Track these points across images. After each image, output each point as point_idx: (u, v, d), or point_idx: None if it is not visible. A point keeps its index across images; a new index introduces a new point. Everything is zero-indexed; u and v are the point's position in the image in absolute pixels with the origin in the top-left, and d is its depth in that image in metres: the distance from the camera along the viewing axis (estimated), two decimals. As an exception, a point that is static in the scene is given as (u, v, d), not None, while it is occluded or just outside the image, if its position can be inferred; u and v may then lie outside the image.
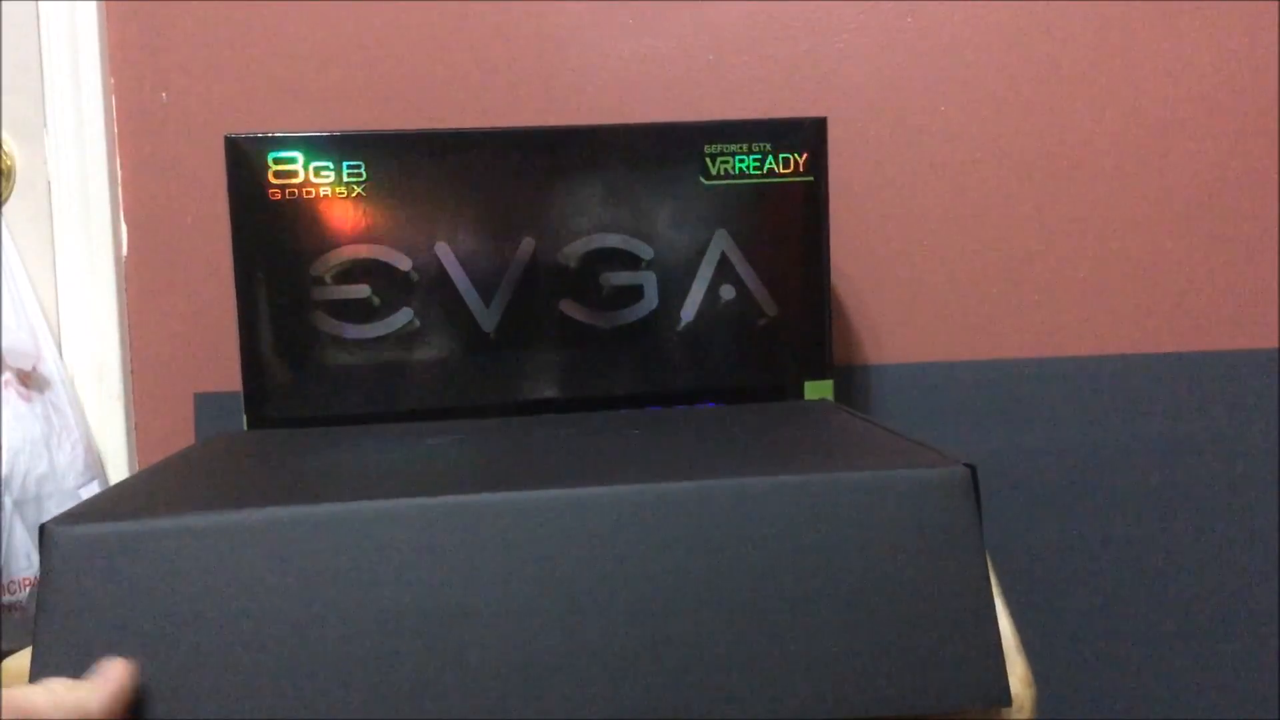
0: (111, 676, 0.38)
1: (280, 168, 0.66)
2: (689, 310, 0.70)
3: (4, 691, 0.35)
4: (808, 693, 0.40)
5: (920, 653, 0.40)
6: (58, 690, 0.37)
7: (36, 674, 0.39)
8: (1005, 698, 0.40)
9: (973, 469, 0.43)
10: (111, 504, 0.43)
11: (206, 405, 0.86)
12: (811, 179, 0.71)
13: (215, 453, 0.56)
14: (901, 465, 0.43)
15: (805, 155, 0.71)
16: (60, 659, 0.38)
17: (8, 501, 0.76)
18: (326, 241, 0.66)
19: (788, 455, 0.48)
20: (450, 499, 0.41)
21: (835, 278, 0.83)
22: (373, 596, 0.40)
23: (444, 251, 0.67)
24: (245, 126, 0.84)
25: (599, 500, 0.41)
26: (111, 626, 0.39)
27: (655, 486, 0.41)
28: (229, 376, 0.86)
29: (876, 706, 0.40)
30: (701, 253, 0.70)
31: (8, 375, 0.79)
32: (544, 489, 0.41)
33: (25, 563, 0.76)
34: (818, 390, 0.71)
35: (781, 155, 0.70)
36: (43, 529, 0.40)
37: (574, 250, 0.69)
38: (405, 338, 0.67)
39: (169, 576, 0.39)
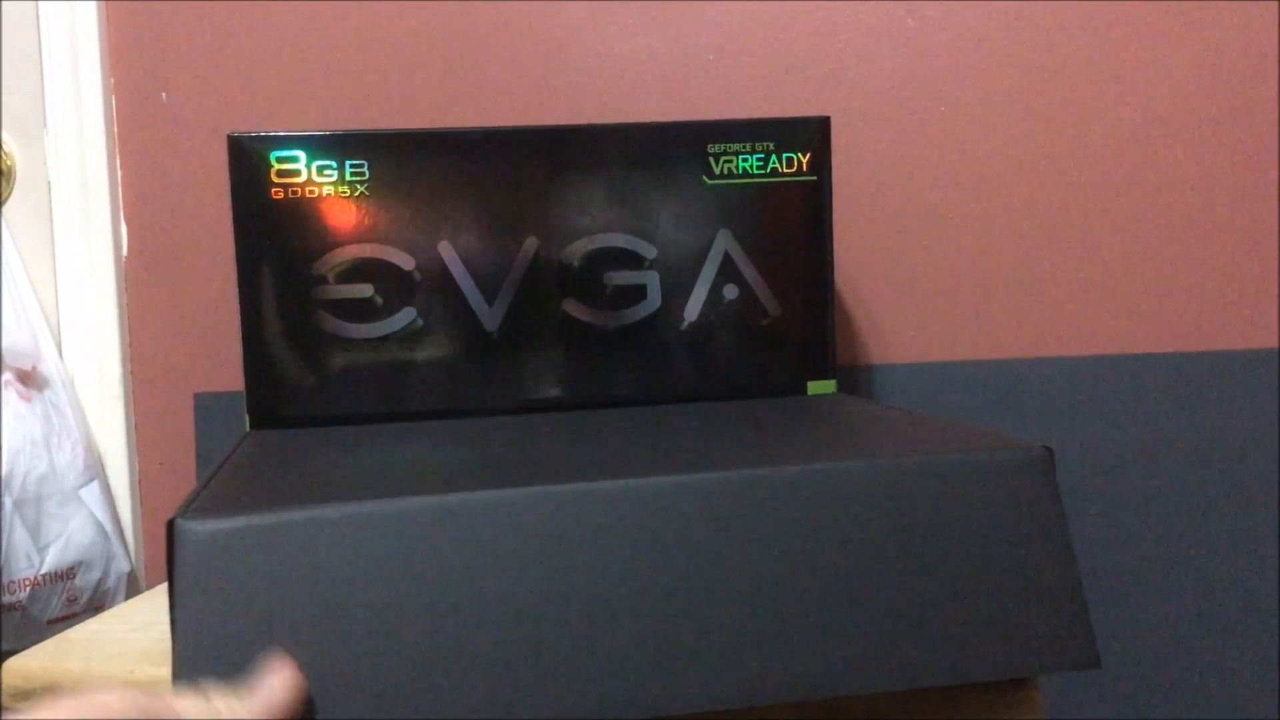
0: (276, 687, 0.37)
1: (283, 167, 0.66)
2: (692, 310, 0.70)
3: (152, 701, 0.33)
4: (916, 661, 0.42)
5: (1016, 621, 0.43)
6: (218, 707, 0.35)
7: (182, 670, 0.38)
8: (1095, 660, 0.43)
9: (1050, 450, 0.46)
10: (223, 499, 0.43)
11: (206, 405, 0.86)
12: (815, 178, 0.71)
13: (272, 451, 0.56)
14: (986, 448, 0.46)
15: (808, 155, 0.71)
16: (204, 654, 0.38)
17: (8, 501, 0.76)
18: (329, 241, 0.66)
19: (871, 442, 0.51)
20: (579, 485, 0.42)
21: (838, 277, 0.83)
22: (504, 583, 0.40)
23: (447, 251, 0.67)
24: (245, 126, 0.84)
25: (711, 485, 0.43)
26: (252, 619, 0.39)
27: (757, 472, 0.44)
28: (229, 376, 0.86)
29: (979, 671, 0.43)
30: (704, 252, 0.70)
31: (8, 375, 0.79)
32: (647, 477, 0.43)
33: (25, 563, 0.76)
34: (821, 390, 0.71)
35: (785, 155, 0.70)
36: (172, 524, 0.39)
37: (577, 250, 0.69)
38: (408, 337, 0.67)
39: (305, 568, 0.39)
